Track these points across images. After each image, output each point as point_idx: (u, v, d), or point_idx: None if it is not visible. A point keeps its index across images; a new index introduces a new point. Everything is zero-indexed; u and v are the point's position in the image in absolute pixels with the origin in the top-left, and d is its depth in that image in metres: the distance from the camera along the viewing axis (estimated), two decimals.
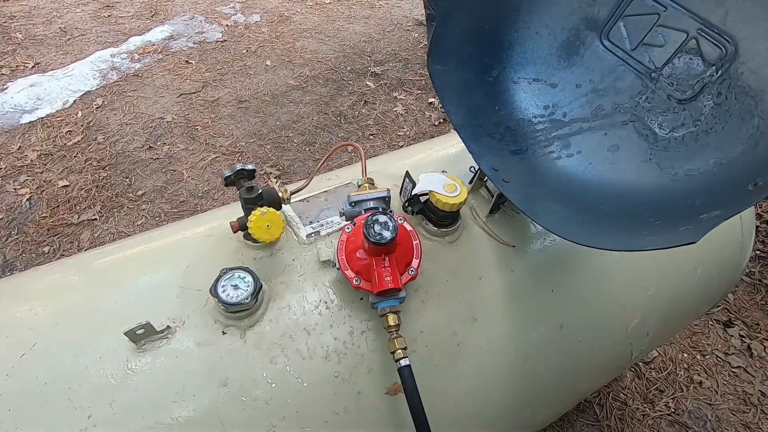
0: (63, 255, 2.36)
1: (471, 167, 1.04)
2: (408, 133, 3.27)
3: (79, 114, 3.15)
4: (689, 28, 0.78)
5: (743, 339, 2.18)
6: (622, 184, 0.86)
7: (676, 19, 0.79)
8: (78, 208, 2.58)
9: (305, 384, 0.76)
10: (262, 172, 2.88)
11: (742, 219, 1.24)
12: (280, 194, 0.89)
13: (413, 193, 0.90)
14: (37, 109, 3.17)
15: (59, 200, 2.60)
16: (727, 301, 2.33)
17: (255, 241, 0.85)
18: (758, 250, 2.58)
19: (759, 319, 2.26)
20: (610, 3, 0.87)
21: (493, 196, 0.97)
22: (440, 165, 1.12)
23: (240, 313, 0.76)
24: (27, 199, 2.58)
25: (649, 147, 0.85)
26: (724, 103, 0.75)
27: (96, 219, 2.53)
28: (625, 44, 0.87)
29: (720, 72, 0.75)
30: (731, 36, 0.73)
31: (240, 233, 0.88)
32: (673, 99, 0.82)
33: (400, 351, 0.74)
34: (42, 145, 2.90)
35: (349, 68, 3.84)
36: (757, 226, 2.67)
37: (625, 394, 1.96)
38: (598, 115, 0.93)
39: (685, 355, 2.12)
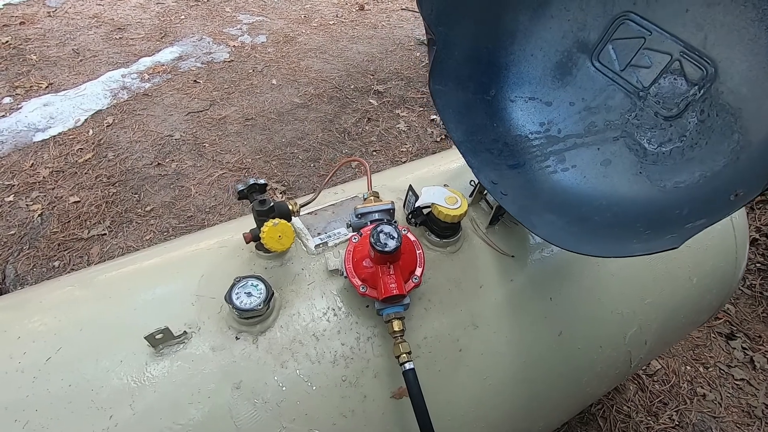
0: (73, 269, 2.41)
1: (471, 181, 1.09)
2: (410, 149, 3.35)
3: (90, 132, 3.24)
4: (673, 50, 0.83)
5: (746, 351, 2.19)
6: (614, 196, 0.91)
7: (661, 43, 0.85)
8: (88, 223, 2.64)
9: (314, 387, 0.80)
10: (268, 188, 2.94)
11: (735, 230, 1.28)
12: (290, 207, 0.94)
13: (416, 205, 0.95)
14: (50, 127, 3.27)
15: (70, 216, 2.66)
16: (729, 314, 2.34)
17: (267, 251, 0.90)
18: (759, 263, 2.60)
19: (761, 331, 2.27)
20: (599, 27, 0.93)
21: (492, 209, 1.02)
22: (442, 179, 1.17)
23: (253, 319, 0.81)
24: (39, 215, 2.65)
25: (639, 161, 0.90)
26: (707, 120, 0.80)
27: (105, 234, 2.59)
28: (615, 65, 0.93)
29: (702, 91, 0.80)
30: (711, 58, 0.78)
31: (252, 244, 0.93)
32: (660, 116, 0.87)
33: (404, 355, 0.78)
34: (54, 163, 2.98)
35: (352, 86, 3.94)
36: (756, 239, 2.71)
37: (628, 407, 1.97)
38: (591, 131, 0.98)
39: (688, 367, 2.12)
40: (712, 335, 2.25)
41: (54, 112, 3.38)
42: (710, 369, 2.12)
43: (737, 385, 2.06)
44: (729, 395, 2.02)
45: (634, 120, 0.91)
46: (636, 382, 2.05)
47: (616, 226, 0.86)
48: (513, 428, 1.00)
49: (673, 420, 1.93)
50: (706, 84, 0.80)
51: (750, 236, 2.72)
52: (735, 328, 2.28)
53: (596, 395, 1.26)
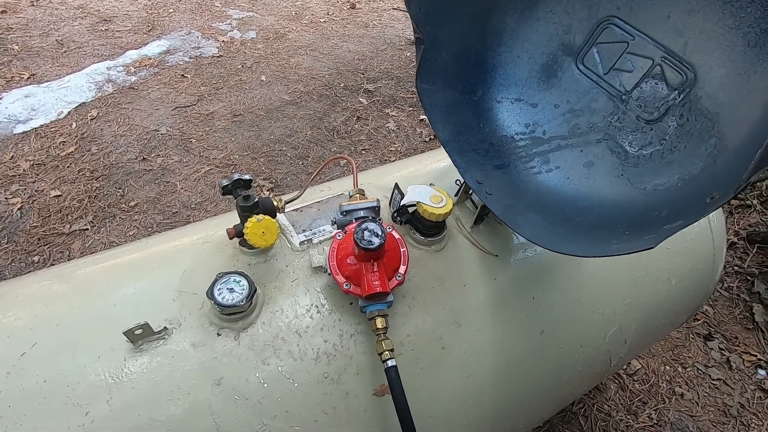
0: (53, 264, 2.36)
1: (457, 180, 1.09)
2: (399, 148, 3.35)
3: (74, 125, 3.17)
4: (654, 55, 0.85)
5: (722, 352, 2.24)
6: (596, 198, 0.93)
7: (643, 48, 0.87)
8: (70, 218, 2.59)
9: (296, 384, 0.79)
10: (255, 185, 2.91)
11: (713, 233, 1.31)
12: (275, 203, 0.93)
13: (402, 203, 0.96)
14: (32, 119, 3.19)
15: (51, 210, 2.60)
16: (707, 315, 2.39)
17: (250, 247, 0.89)
18: (737, 266, 2.66)
19: (737, 332, 2.32)
20: (584, 31, 0.95)
21: (477, 208, 1.03)
22: (428, 178, 1.17)
23: (235, 315, 0.80)
24: (18, 209, 2.59)
25: (621, 163, 0.92)
26: (686, 124, 0.82)
27: (87, 229, 2.54)
28: (598, 69, 0.95)
29: (682, 96, 0.82)
30: (691, 64, 0.80)
31: (236, 240, 0.92)
32: (642, 120, 0.89)
33: (387, 352, 0.78)
34: (35, 155, 2.92)
35: (342, 85, 3.93)
36: (735, 243, 2.77)
37: (609, 406, 2.00)
38: (574, 133, 1.00)
39: (667, 367, 2.17)
40: (691, 336, 2.30)
41: (36, 104, 3.30)
42: (688, 369, 2.16)
43: (714, 384, 2.11)
44: (706, 394, 2.07)
45: (617, 123, 0.93)
46: (616, 381, 2.09)
47: (597, 226, 0.87)
48: (495, 426, 1.01)
49: (652, 418, 1.97)
50: (686, 89, 0.81)
51: (728, 240, 2.78)
52: (713, 329, 2.33)
53: (577, 394, 1.28)
